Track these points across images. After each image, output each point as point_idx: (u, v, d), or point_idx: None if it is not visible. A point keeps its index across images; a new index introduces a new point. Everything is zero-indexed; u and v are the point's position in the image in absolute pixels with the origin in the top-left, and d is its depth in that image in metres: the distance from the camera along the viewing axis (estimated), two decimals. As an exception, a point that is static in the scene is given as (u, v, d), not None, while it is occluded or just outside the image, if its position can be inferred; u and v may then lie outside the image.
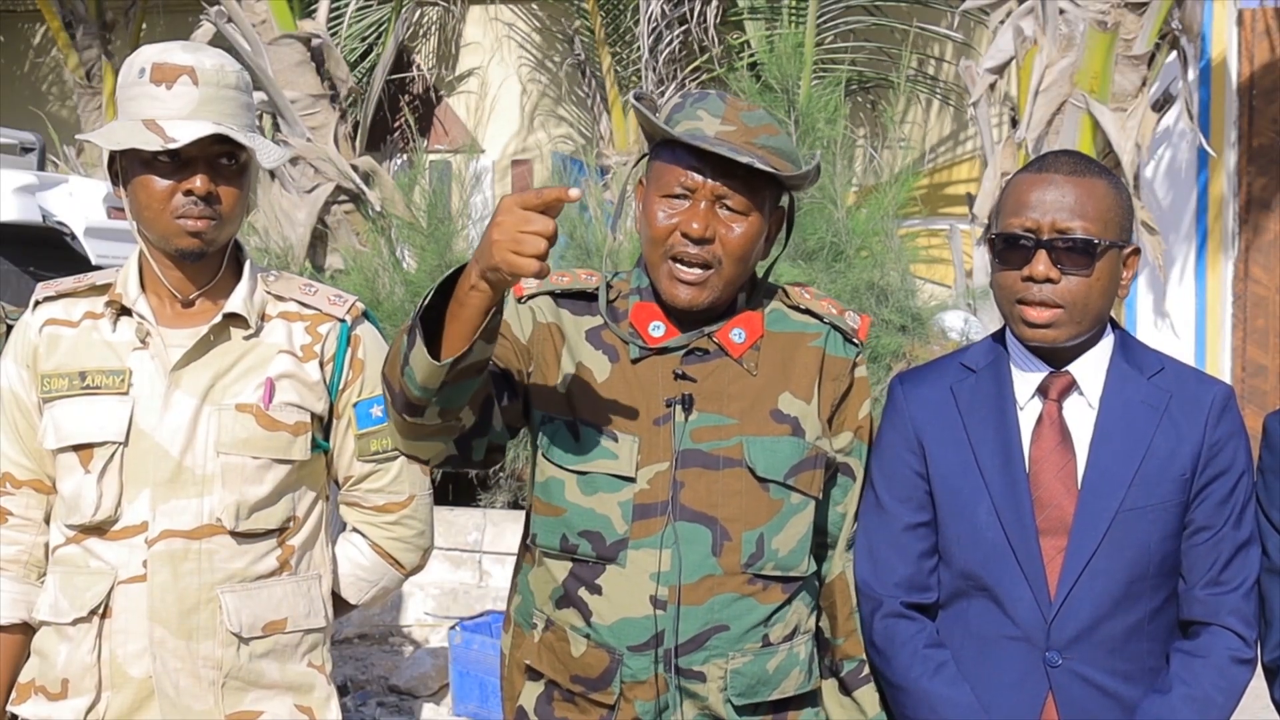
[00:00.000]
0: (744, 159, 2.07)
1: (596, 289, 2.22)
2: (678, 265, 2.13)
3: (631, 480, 2.12)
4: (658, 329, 2.18)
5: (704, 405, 2.16)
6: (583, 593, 2.14)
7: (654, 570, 2.11)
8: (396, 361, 1.95)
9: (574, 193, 1.79)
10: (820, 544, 2.25)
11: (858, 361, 2.27)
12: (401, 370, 1.93)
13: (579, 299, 2.22)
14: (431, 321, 1.92)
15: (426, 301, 1.91)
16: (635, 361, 2.17)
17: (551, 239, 1.81)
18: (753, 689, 2.15)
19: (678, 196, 2.12)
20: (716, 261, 2.12)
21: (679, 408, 2.14)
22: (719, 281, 2.13)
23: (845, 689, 2.28)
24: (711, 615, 2.12)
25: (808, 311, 2.26)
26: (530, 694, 2.22)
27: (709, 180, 2.10)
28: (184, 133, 2.12)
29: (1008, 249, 2.18)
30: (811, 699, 2.26)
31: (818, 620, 2.29)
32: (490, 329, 1.90)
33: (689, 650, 2.11)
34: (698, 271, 2.12)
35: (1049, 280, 2.13)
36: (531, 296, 2.21)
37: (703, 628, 2.12)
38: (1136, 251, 2.22)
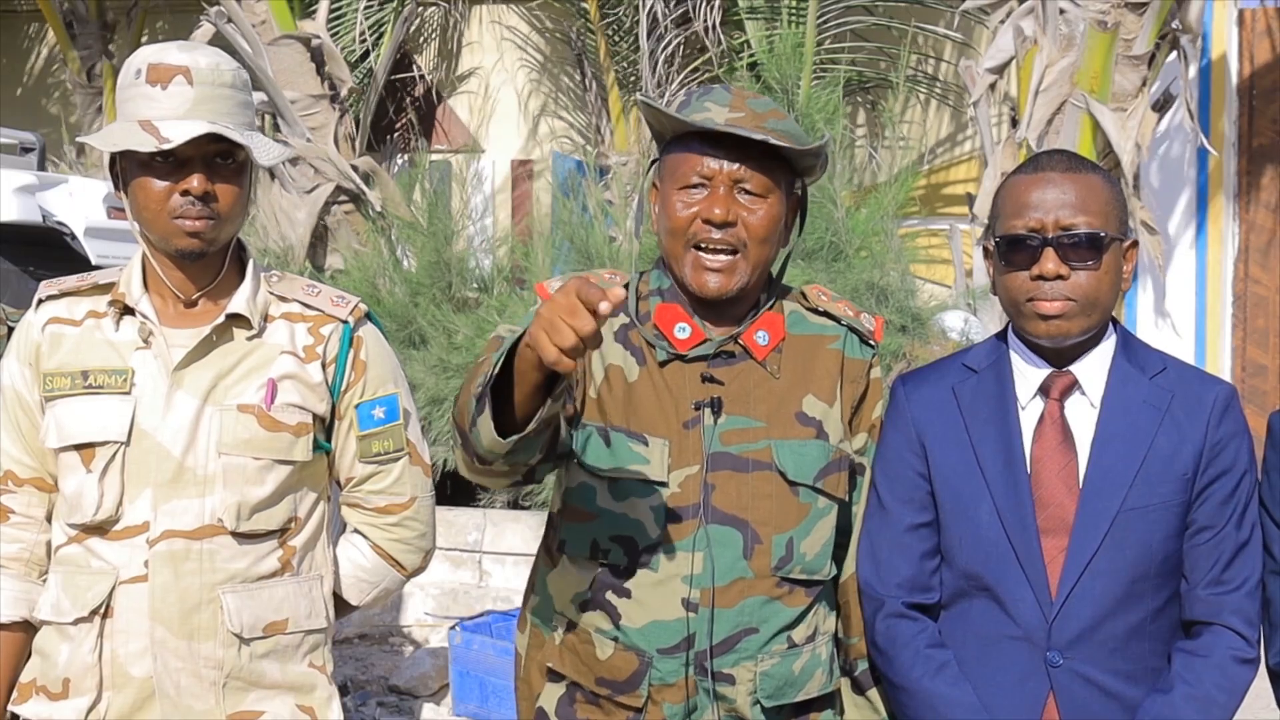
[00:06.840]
0: (759, 137, 2.07)
1: (623, 286, 2.23)
2: (702, 254, 2.12)
3: (664, 484, 2.12)
4: (683, 331, 2.17)
5: (732, 408, 2.15)
6: (610, 596, 2.14)
7: (686, 573, 2.11)
8: (465, 416, 1.93)
9: (613, 297, 1.72)
10: (838, 544, 2.25)
11: (873, 363, 2.27)
12: (469, 428, 1.92)
13: None
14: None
15: (497, 368, 1.87)
16: (663, 365, 2.17)
17: (587, 340, 1.74)
18: (780, 690, 2.16)
19: (695, 186, 2.12)
20: (742, 245, 2.12)
21: (708, 410, 2.14)
22: (747, 266, 2.13)
23: (859, 688, 2.29)
24: (742, 618, 2.12)
25: (825, 314, 2.26)
26: (551, 696, 2.22)
27: (726, 165, 2.10)
28: (178, 133, 2.11)
29: (1013, 251, 2.18)
30: (831, 700, 2.27)
31: (836, 621, 2.29)
32: (560, 391, 1.86)
33: (720, 653, 2.12)
34: (724, 258, 2.12)
35: (1059, 277, 2.14)
36: None
37: (734, 630, 2.12)
38: (1135, 244, 2.24)
